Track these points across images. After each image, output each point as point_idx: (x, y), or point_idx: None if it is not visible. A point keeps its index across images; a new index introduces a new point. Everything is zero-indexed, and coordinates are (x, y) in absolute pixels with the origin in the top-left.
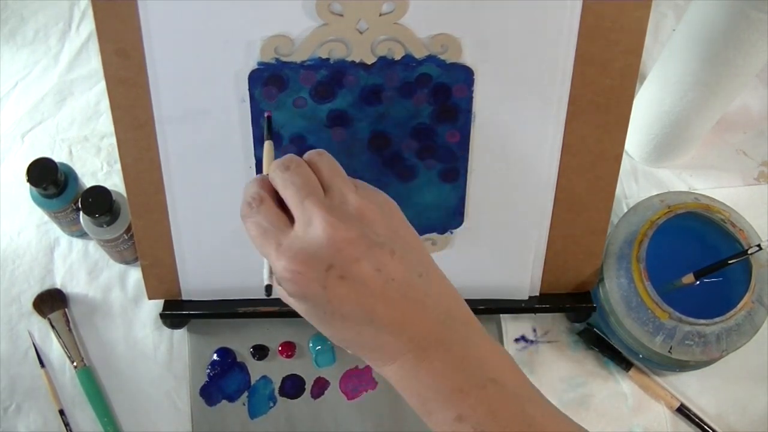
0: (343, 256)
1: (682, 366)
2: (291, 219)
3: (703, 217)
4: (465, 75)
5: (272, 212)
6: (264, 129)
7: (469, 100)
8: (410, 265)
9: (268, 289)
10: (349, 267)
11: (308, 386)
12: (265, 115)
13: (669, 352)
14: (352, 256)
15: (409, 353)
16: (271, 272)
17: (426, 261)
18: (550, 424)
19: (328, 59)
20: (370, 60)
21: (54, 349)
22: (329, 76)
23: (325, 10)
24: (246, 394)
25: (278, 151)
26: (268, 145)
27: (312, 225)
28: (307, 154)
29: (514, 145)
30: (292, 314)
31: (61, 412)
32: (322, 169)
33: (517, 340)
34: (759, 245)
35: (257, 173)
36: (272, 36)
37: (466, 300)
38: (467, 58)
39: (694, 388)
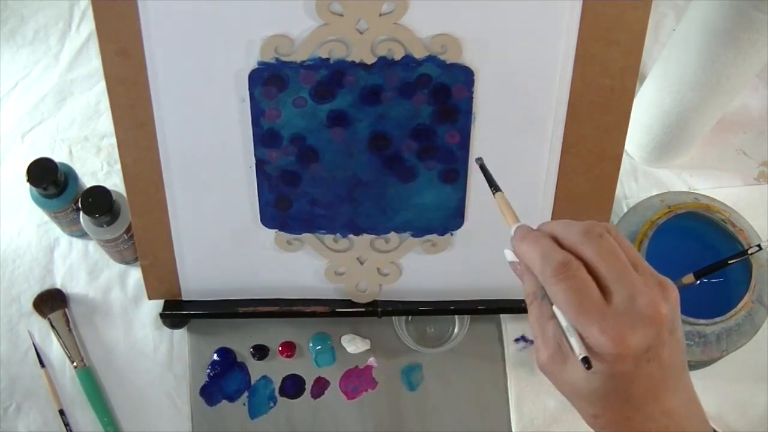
0: (660, 338)
1: None
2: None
3: (703, 217)
4: (465, 75)
5: (590, 281)
6: (486, 177)
7: (469, 100)
8: (680, 356)
9: (587, 360)
10: (657, 349)
11: (308, 386)
12: (477, 161)
13: None
14: (663, 339)
15: None
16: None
17: (686, 362)
18: None
19: (328, 59)
20: (370, 60)
21: (54, 349)
22: (329, 76)
23: (325, 10)
24: (246, 394)
25: (278, 151)
26: (501, 197)
27: (638, 299)
28: (602, 226)
29: (515, 145)
30: (292, 314)
31: (61, 412)
32: (624, 242)
33: (517, 340)
34: (759, 245)
35: (257, 173)
36: (272, 36)
37: (466, 300)
38: (467, 59)
39: (695, 388)
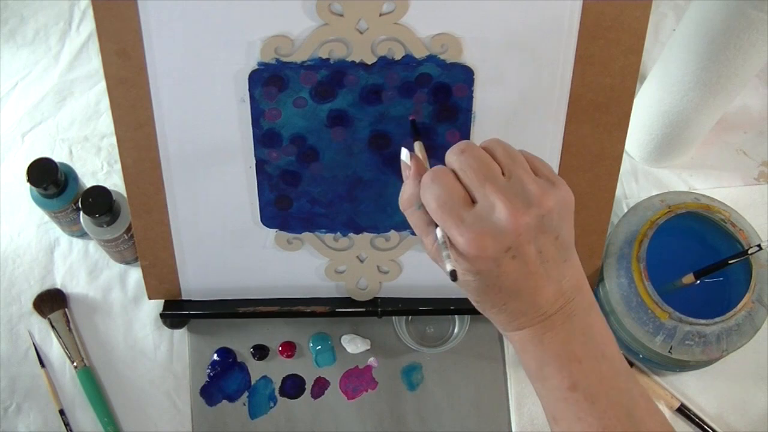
0: (521, 240)
1: (682, 366)
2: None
3: (703, 217)
4: (465, 74)
5: (455, 187)
6: (411, 130)
7: (469, 99)
8: (562, 251)
9: (453, 274)
10: (521, 248)
11: (308, 386)
12: (410, 118)
13: (669, 352)
14: (527, 239)
15: (539, 323)
16: (450, 255)
17: (572, 246)
18: (647, 406)
19: (328, 59)
20: (370, 60)
21: (54, 349)
22: (329, 76)
23: (325, 10)
24: (246, 394)
25: (279, 151)
26: (419, 145)
27: (496, 210)
28: (483, 141)
29: (514, 144)
30: (292, 314)
31: (61, 412)
32: (498, 153)
33: None
34: (759, 245)
35: (257, 173)
36: (272, 36)
37: (467, 299)
38: (467, 58)
39: (694, 388)
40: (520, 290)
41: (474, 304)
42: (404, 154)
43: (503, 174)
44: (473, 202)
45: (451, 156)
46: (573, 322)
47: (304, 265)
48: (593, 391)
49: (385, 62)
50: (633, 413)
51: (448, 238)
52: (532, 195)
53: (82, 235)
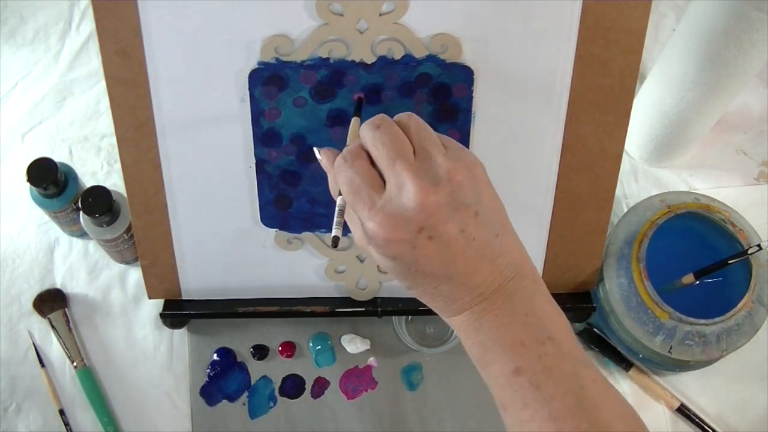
0: (433, 219)
1: (682, 366)
2: (382, 179)
3: (703, 217)
4: (465, 74)
5: (366, 169)
6: (354, 107)
7: (469, 99)
8: (490, 226)
9: (335, 240)
10: (437, 228)
11: (308, 386)
12: (356, 96)
13: (669, 352)
14: (441, 219)
15: (477, 305)
16: (340, 223)
17: (504, 221)
18: (598, 389)
19: (328, 59)
20: (370, 60)
21: (54, 349)
22: (329, 76)
23: (325, 9)
24: (246, 394)
25: (278, 151)
26: (355, 121)
27: (404, 189)
28: (397, 116)
29: (514, 144)
30: (292, 314)
31: (61, 412)
32: (411, 130)
33: None
34: (759, 245)
35: (257, 172)
36: (272, 36)
37: None
38: (467, 58)
39: (694, 388)
40: (450, 274)
41: (407, 289)
42: (316, 154)
43: (415, 152)
44: (385, 183)
45: (366, 131)
46: (514, 303)
47: (304, 265)
48: (538, 377)
49: (384, 62)
50: (582, 399)
51: (363, 224)
52: (441, 171)
53: (82, 235)
